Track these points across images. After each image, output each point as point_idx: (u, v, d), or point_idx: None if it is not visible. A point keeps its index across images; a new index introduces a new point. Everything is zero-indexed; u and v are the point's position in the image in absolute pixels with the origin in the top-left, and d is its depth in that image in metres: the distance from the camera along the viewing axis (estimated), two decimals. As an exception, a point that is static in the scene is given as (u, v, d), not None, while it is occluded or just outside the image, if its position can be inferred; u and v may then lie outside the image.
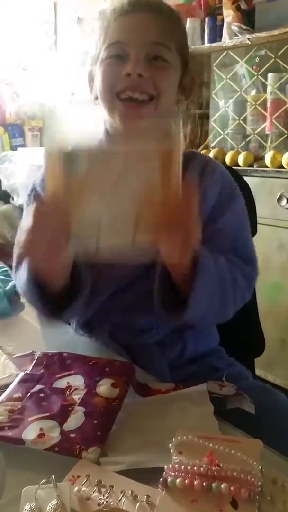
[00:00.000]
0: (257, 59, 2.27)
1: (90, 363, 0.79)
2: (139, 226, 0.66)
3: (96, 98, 0.94)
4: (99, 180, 0.65)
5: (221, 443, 0.59)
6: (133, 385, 0.75)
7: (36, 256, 0.76)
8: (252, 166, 2.20)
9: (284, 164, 2.05)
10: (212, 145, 2.46)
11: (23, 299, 1.08)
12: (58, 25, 3.63)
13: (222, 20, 2.35)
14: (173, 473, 0.56)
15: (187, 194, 0.67)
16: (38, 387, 0.75)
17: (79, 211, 0.67)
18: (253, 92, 2.30)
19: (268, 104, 2.20)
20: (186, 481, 0.55)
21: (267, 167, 2.13)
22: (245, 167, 2.20)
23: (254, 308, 1.17)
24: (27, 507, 0.53)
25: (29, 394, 0.73)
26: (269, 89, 2.19)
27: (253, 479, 0.54)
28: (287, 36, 2.07)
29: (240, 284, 0.87)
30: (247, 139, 2.33)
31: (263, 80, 2.24)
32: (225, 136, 2.42)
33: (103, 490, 0.56)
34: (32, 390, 0.74)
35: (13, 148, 3.64)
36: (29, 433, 0.65)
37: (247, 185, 1.12)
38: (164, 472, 0.56)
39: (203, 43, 2.46)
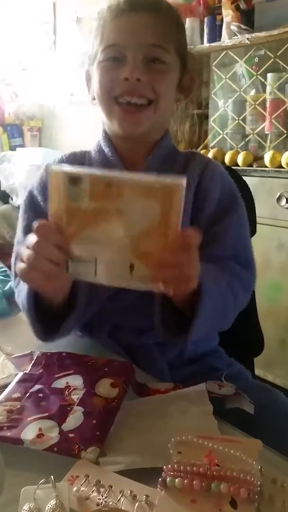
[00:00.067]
0: (256, 59, 2.26)
1: (89, 363, 0.79)
2: (137, 259, 0.66)
3: (94, 98, 0.93)
4: (100, 205, 0.65)
5: (220, 443, 0.59)
6: (132, 385, 0.75)
7: (34, 282, 0.76)
8: (252, 166, 2.20)
9: (283, 164, 2.05)
10: (211, 145, 2.46)
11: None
12: (58, 25, 3.63)
13: (222, 20, 2.35)
14: (172, 473, 0.56)
15: (187, 234, 0.65)
16: (37, 387, 0.74)
17: (79, 235, 0.67)
18: (253, 92, 2.30)
19: (268, 104, 2.20)
20: (185, 481, 0.54)
21: (266, 167, 2.13)
22: (245, 167, 2.20)
23: (253, 308, 1.17)
24: (26, 507, 0.53)
25: (28, 394, 0.73)
26: (268, 89, 2.19)
27: (252, 479, 0.54)
28: (287, 36, 2.06)
29: (239, 295, 0.88)
30: (247, 139, 2.33)
31: (263, 80, 2.24)
32: (225, 136, 2.42)
33: (102, 490, 0.56)
34: (31, 390, 0.74)
35: (12, 148, 3.65)
36: (28, 433, 0.65)
37: (247, 185, 1.12)
38: (163, 472, 0.56)
39: (202, 43, 2.46)
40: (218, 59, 2.38)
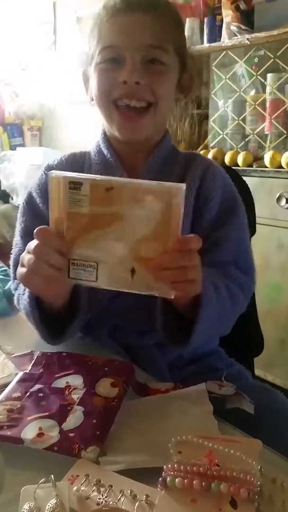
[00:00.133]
0: (256, 59, 2.27)
1: (89, 363, 0.79)
2: (138, 263, 0.66)
3: (92, 99, 0.92)
4: (101, 209, 0.65)
5: (221, 443, 0.59)
6: (132, 385, 0.75)
7: (35, 287, 0.76)
8: (251, 166, 2.20)
9: (283, 164, 2.05)
10: (211, 145, 2.46)
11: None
12: (58, 25, 3.63)
13: (221, 20, 2.35)
14: (172, 473, 0.56)
15: (187, 238, 0.66)
16: (37, 386, 0.74)
17: (80, 240, 0.67)
18: (252, 92, 2.31)
19: (267, 104, 2.20)
20: (186, 480, 0.55)
21: (266, 167, 2.13)
22: (244, 167, 2.20)
23: (253, 308, 1.17)
24: (26, 506, 0.53)
25: (28, 393, 0.73)
26: (268, 89, 2.19)
27: (252, 479, 0.54)
28: (286, 36, 2.07)
29: (239, 300, 0.88)
30: (246, 139, 2.33)
31: (262, 80, 2.24)
32: (224, 136, 2.42)
33: (102, 489, 0.56)
34: (31, 390, 0.74)
35: (12, 147, 3.64)
36: (28, 432, 0.65)
37: (247, 185, 1.12)
38: (163, 472, 0.56)
39: (202, 43, 2.46)
40: (218, 59, 2.38)
